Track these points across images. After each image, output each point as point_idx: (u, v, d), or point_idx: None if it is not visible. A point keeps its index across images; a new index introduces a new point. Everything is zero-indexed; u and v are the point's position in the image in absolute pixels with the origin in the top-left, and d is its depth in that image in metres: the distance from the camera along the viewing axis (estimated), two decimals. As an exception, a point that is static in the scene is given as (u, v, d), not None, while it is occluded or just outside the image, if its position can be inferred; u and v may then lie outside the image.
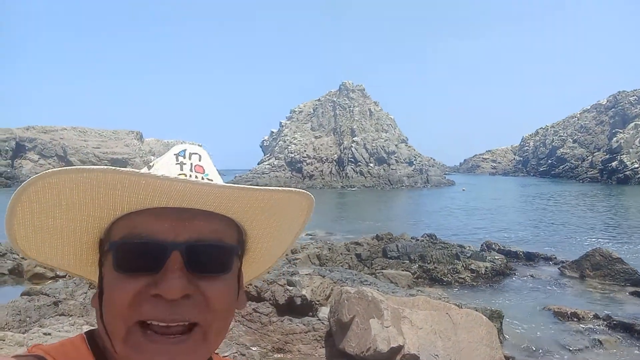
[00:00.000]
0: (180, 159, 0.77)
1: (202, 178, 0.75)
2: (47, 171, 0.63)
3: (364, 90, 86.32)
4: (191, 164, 0.77)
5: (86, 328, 5.43)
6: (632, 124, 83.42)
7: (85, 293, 6.89)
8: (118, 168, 0.64)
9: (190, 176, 0.74)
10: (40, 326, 5.41)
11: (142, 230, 0.68)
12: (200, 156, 0.79)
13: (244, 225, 0.78)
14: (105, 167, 0.63)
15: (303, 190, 0.76)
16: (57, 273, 9.64)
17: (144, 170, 0.77)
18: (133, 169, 0.65)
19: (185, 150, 0.79)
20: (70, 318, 5.97)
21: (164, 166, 0.76)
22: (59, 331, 5.07)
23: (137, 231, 0.68)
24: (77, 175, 0.64)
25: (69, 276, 8.58)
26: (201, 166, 0.77)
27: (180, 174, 0.74)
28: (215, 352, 0.82)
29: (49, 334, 4.80)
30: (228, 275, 0.72)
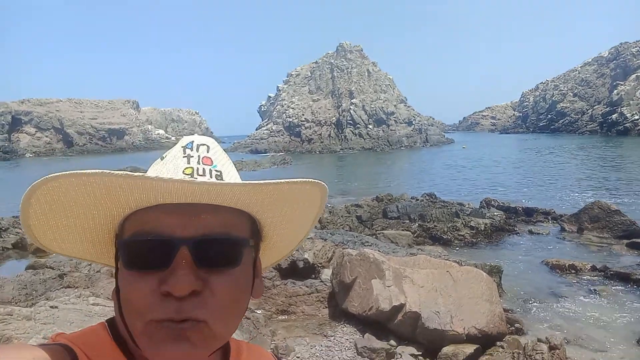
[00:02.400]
0: (188, 151, 0.76)
1: (210, 170, 0.75)
2: (48, 176, 0.64)
3: (361, 50, 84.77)
4: (199, 156, 0.76)
5: (92, 299, 5.53)
6: (633, 76, 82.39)
7: (89, 265, 6.98)
8: (112, 172, 0.63)
9: (197, 169, 0.74)
10: (47, 299, 5.49)
11: (149, 227, 0.68)
12: (208, 147, 0.78)
13: (255, 215, 0.77)
14: (100, 170, 0.63)
15: (313, 180, 0.76)
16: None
17: (157, 160, 0.78)
18: (128, 172, 0.64)
19: (193, 142, 0.78)
20: (76, 290, 6.06)
21: (172, 160, 0.76)
22: (66, 304, 5.16)
23: (144, 228, 0.68)
24: (76, 179, 0.64)
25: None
26: (209, 157, 0.77)
27: (187, 168, 0.74)
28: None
29: (56, 307, 4.88)
30: (238, 268, 0.71)
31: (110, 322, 0.77)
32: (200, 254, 0.67)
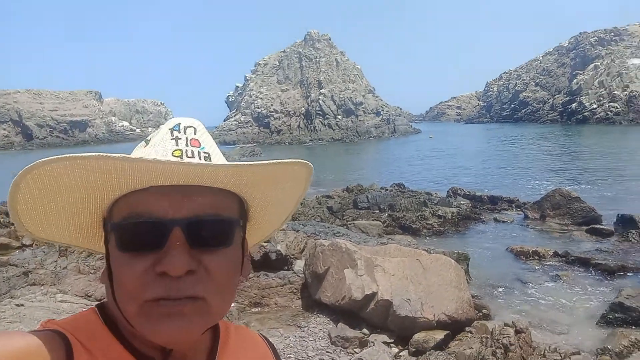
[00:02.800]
0: (175, 133, 0.77)
1: (199, 152, 0.75)
2: (39, 160, 0.64)
3: (329, 39, 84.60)
4: (186, 138, 0.76)
5: (60, 297, 5.40)
6: (591, 65, 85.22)
7: (55, 261, 6.80)
8: (109, 154, 0.64)
9: (186, 151, 0.74)
10: (12, 297, 5.33)
11: (142, 209, 0.69)
12: (195, 129, 0.78)
13: (244, 196, 0.79)
14: (97, 154, 0.63)
15: (300, 160, 0.78)
16: (24, 242, 9.41)
17: (141, 144, 0.78)
18: (124, 155, 0.65)
19: (179, 124, 0.78)
20: (42, 287, 5.90)
21: (159, 142, 0.76)
22: (32, 301, 5.02)
23: (137, 210, 0.69)
24: (70, 163, 0.65)
25: (36, 244, 8.41)
26: (197, 139, 0.77)
27: (175, 150, 0.74)
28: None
29: (22, 305, 4.75)
30: (230, 247, 0.73)
31: (100, 307, 0.77)
32: (193, 235, 0.68)
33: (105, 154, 0.64)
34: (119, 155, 0.64)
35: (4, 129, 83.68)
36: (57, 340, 0.67)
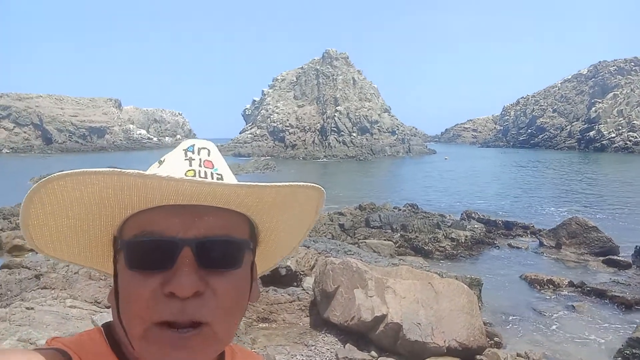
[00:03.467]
0: (189, 154, 0.77)
1: (212, 174, 0.75)
2: (53, 174, 0.64)
3: (347, 58, 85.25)
4: (200, 159, 0.77)
5: (69, 302, 5.41)
6: (610, 94, 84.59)
7: (67, 266, 6.82)
8: (125, 170, 0.64)
9: (199, 172, 0.75)
10: (22, 300, 5.35)
11: (152, 228, 0.68)
12: (209, 151, 0.79)
13: (254, 219, 0.78)
14: (111, 169, 0.64)
15: (313, 184, 0.77)
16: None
17: (155, 165, 0.79)
18: (139, 171, 0.65)
19: (194, 145, 0.79)
20: (52, 291, 5.91)
21: (173, 162, 0.76)
22: (42, 305, 5.03)
23: (147, 229, 0.68)
24: (83, 178, 0.65)
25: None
26: (210, 161, 0.77)
27: (189, 170, 0.74)
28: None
29: (32, 309, 4.76)
30: (239, 270, 0.72)
31: (106, 328, 0.77)
32: (203, 255, 0.67)
33: (119, 170, 0.64)
34: (133, 171, 0.64)
35: (25, 132, 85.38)
36: (59, 359, 0.67)
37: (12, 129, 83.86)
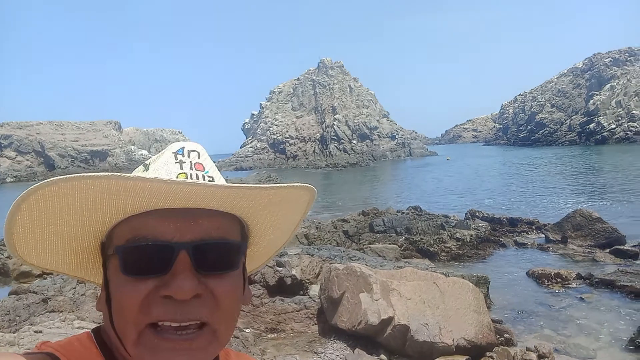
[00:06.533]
0: (180, 157, 0.76)
1: (203, 176, 0.75)
2: (49, 180, 0.63)
3: (342, 66, 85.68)
4: (190, 162, 0.76)
5: (77, 323, 5.43)
6: (607, 86, 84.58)
7: (74, 288, 6.86)
8: (123, 174, 0.63)
9: (191, 175, 0.74)
10: (31, 324, 5.38)
11: (147, 233, 0.67)
12: (198, 153, 0.78)
13: (247, 220, 0.78)
14: (110, 173, 0.63)
15: (305, 184, 0.77)
16: (44, 270, 9.53)
17: (140, 168, 0.78)
18: (138, 175, 0.65)
19: (183, 147, 0.78)
20: (60, 314, 5.94)
21: (163, 165, 0.75)
22: (50, 328, 5.06)
23: (142, 234, 0.68)
24: (79, 183, 0.63)
25: (56, 273, 8.49)
26: (201, 164, 0.77)
27: (180, 173, 0.73)
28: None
29: (40, 332, 4.79)
30: (235, 272, 0.72)
31: (96, 332, 0.76)
32: (200, 258, 0.67)
33: (117, 174, 0.63)
34: (132, 175, 0.64)
35: (27, 160, 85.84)
36: None
37: (14, 157, 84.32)
